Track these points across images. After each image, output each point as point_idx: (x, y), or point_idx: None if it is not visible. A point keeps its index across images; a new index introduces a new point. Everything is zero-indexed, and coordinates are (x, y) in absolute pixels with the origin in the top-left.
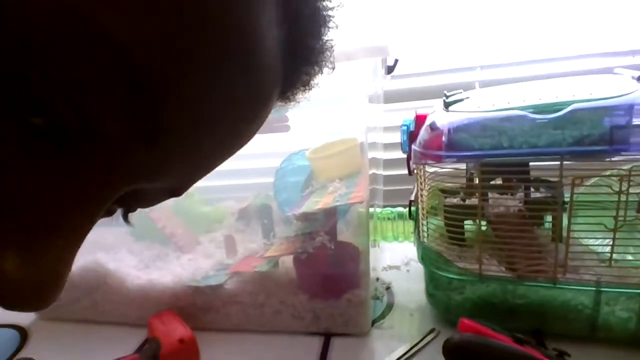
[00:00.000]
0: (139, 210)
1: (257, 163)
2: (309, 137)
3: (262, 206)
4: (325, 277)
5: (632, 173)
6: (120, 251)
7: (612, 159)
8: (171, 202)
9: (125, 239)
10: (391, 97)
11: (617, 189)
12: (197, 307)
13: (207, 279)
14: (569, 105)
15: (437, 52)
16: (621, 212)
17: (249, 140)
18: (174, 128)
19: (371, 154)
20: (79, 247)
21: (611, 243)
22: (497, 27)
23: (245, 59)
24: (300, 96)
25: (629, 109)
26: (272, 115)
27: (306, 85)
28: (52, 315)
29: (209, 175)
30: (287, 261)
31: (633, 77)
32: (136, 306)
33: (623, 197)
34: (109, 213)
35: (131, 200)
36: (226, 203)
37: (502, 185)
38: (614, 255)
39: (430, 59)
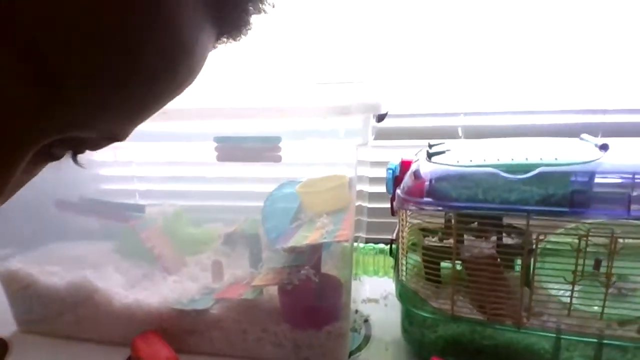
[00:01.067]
0: (127, 227)
1: (246, 187)
2: (300, 168)
3: (250, 236)
4: (307, 309)
5: (590, 234)
6: (108, 269)
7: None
8: (160, 221)
9: (111, 257)
10: (379, 135)
11: (576, 247)
12: (181, 329)
13: (193, 302)
14: (537, 167)
15: (425, 97)
16: (580, 268)
17: (182, 86)
18: (83, 84)
19: (358, 187)
20: (4, 193)
21: (572, 294)
22: (482, 77)
23: (156, 13)
24: (244, 34)
25: (590, 175)
26: (265, 145)
27: (247, 24)
28: (34, 329)
29: (198, 195)
30: (272, 289)
31: (596, 145)
32: (121, 325)
33: (581, 254)
34: (54, 157)
35: (71, 145)
36: (214, 224)
37: (476, 229)
38: (579, 305)
39: (419, 103)
